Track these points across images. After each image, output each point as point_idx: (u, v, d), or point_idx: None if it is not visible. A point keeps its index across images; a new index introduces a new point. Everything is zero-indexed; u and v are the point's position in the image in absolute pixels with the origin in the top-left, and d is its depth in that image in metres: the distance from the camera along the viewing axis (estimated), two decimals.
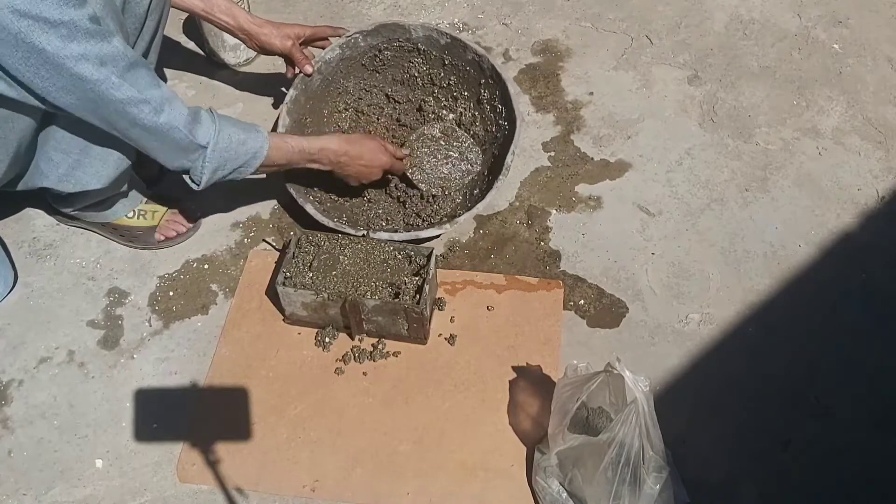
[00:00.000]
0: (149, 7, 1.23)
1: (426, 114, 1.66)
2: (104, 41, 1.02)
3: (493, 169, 1.51)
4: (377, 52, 1.65)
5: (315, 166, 1.36)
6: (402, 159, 1.52)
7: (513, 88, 1.54)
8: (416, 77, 1.67)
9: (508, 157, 1.45)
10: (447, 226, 1.42)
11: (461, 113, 1.63)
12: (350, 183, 1.46)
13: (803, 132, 1.77)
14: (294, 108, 1.55)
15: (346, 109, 1.69)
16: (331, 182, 1.51)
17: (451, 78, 1.64)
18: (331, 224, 1.41)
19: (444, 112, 1.65)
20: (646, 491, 1.03)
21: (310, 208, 1.43)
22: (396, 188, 1.58)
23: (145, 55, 1.38)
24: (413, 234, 1.42)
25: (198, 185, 1.23)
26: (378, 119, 1.70)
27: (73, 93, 1.04)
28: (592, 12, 2.07)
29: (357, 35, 1.61)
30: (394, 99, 1.70)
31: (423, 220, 1.53)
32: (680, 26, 2.03)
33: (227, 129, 1.20)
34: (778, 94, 1.85)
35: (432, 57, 1.63)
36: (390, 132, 1.69)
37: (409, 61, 1.66)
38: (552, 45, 1.98)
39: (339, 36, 1.59)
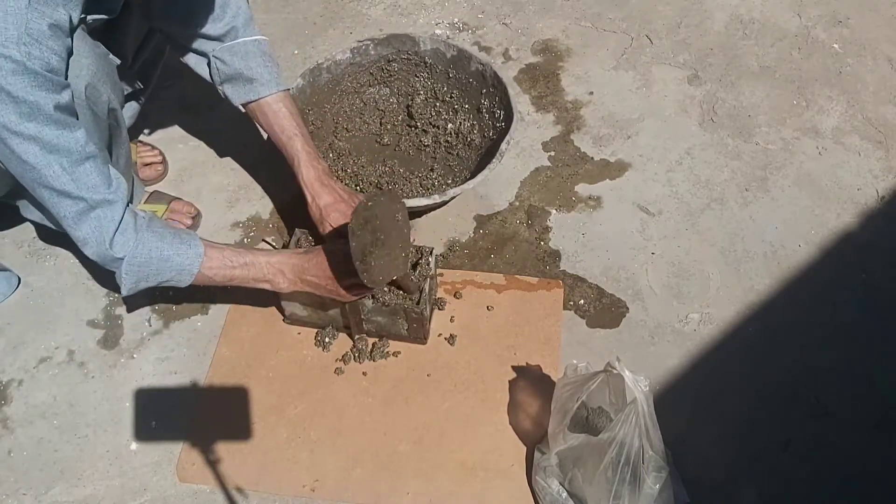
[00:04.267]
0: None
1: (419, 127, 1.69)
2: (64, 129, 1.01)
3: (486, 159, 1.52)
4: (385, 63, 1.67)
5: (268, 287, 1.21)
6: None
7: (512, 91, 1.55)
8: (420, 91, 1.69)
9: (503, 146, 1.47)
10: (436, 196, 1.42)
11: (460, 123, 1.65)
12: (324, 295, 1.23)
13: (803, 132, 1.77)
14: (300, 98, 1.57)
15: (351, 109, 1.71)
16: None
17: (454, 92, 1.67)
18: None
19: (442, 123, 1.67)
20: (645, 490, 1.03)
21: None
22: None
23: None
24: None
25: (121, 291, 1.17)
26: (376, 124, 1.72)
27: (11, 162, 1.02)
28: (592, 12, 2.07)
29: (368, 42, 1.64)
30: (392, 111, 1.73)
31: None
32: (680, 26, 2.03)
33: (148, 243, 1.13)
34: (778, 93, 1.85)
35: (438, 71, 1.66)
36: (386, 144, 1.71)
37: (416, 75, 1.69)
38: (552, 45, 1.98)
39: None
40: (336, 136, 1.67)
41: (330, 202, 1.31)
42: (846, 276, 1.50)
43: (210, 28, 1.31)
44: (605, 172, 1.69)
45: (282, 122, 1.35)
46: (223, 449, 1.27)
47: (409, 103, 1.70)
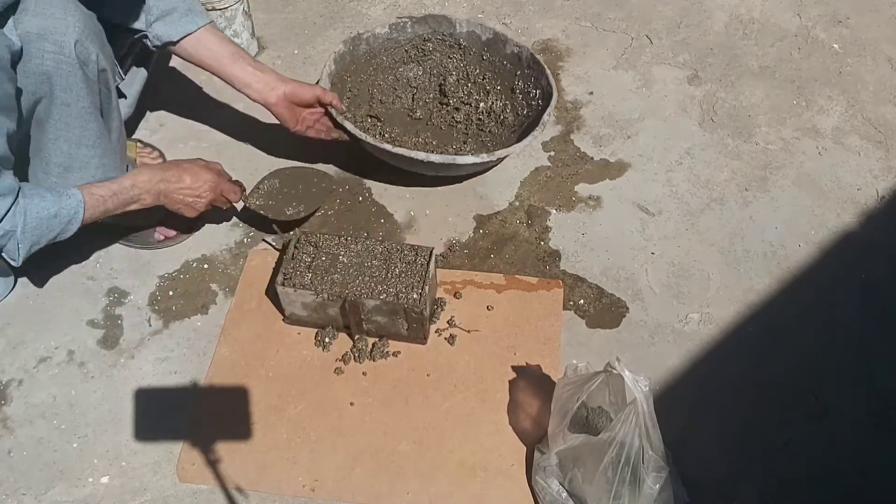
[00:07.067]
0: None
1: (451, 105, 1.73)
2: None
3: (528, 129, 1.56)
4: (421, 42, 1.73)
5: (135, 206, 1.29)
6: (235, 183, 1.45)
7: (549, 71, 1.60)
8: (452, 72, 1.73)
9: (545, 116, 1.51)
10: (484, 155, 1.46)
11: (492, 103, 1.69)
12: (185, 214, 1.38)
13: (803, 132, 1.77)
14: (340, 63, 1.64)
15: (385, 83, 1.76)
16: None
17: (487, 74, 1.71)
18: (371, 140, 1.46)
19: (474, 102, 1.71)
20: (645, 491, 1.03)
21: (349, 125, 1.48)
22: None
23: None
24: (451, 159, 1.46)
25: (15, 261, 1.18)
26: (409, 99, 1.77)
27: None
28: (592, 12, 2.07)
29: (406, 20, 1.70)
30: (424, 88, 1.78)
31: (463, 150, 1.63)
32: (680, 26, 2.03)
33: (33, 208, 1.15)
34: (778, 93, 1.85)
35: (472, 53, 1.72)
36: (413, 118, 1.75)
37: (449, 57, 1.74)
38: (552, 45, 1.98)
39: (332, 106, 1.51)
40: (371, 106, 1.73)
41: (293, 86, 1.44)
42: (846, 276, 1.50)
43: None
44: (605, 172, 1.69)
45: (227, 45, 1.41)
46: (223, 449, 1.27)
47: (442, 82, 1.75)
